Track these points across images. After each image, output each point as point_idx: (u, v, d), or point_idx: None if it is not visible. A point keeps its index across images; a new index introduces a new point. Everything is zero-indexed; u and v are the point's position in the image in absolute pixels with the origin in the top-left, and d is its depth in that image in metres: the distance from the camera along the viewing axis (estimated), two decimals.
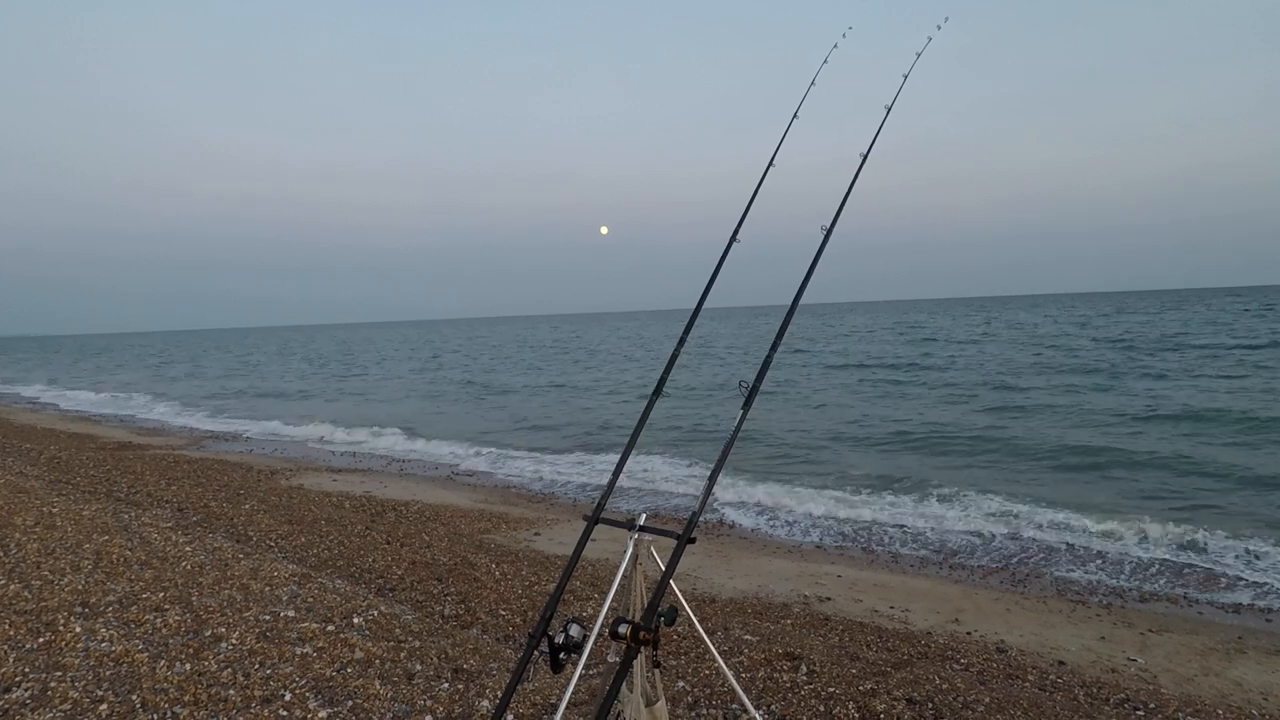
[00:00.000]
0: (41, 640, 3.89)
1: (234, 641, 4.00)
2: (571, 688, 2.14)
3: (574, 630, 2.13)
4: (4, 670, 3.55)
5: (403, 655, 4.01)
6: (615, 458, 3.53)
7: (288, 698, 3.44)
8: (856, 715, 3.62)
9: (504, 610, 5.29)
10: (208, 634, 4.08)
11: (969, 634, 5.42)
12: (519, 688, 2.35)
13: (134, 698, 3.36)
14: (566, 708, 2.13)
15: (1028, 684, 4.39)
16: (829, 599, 6.15)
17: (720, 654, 2.81)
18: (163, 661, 3.71)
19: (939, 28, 3.25)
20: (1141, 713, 4.05)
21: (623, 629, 2.03)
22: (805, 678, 4.04)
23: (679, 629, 4.43)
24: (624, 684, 2.19)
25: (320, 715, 3.30)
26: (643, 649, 2.11)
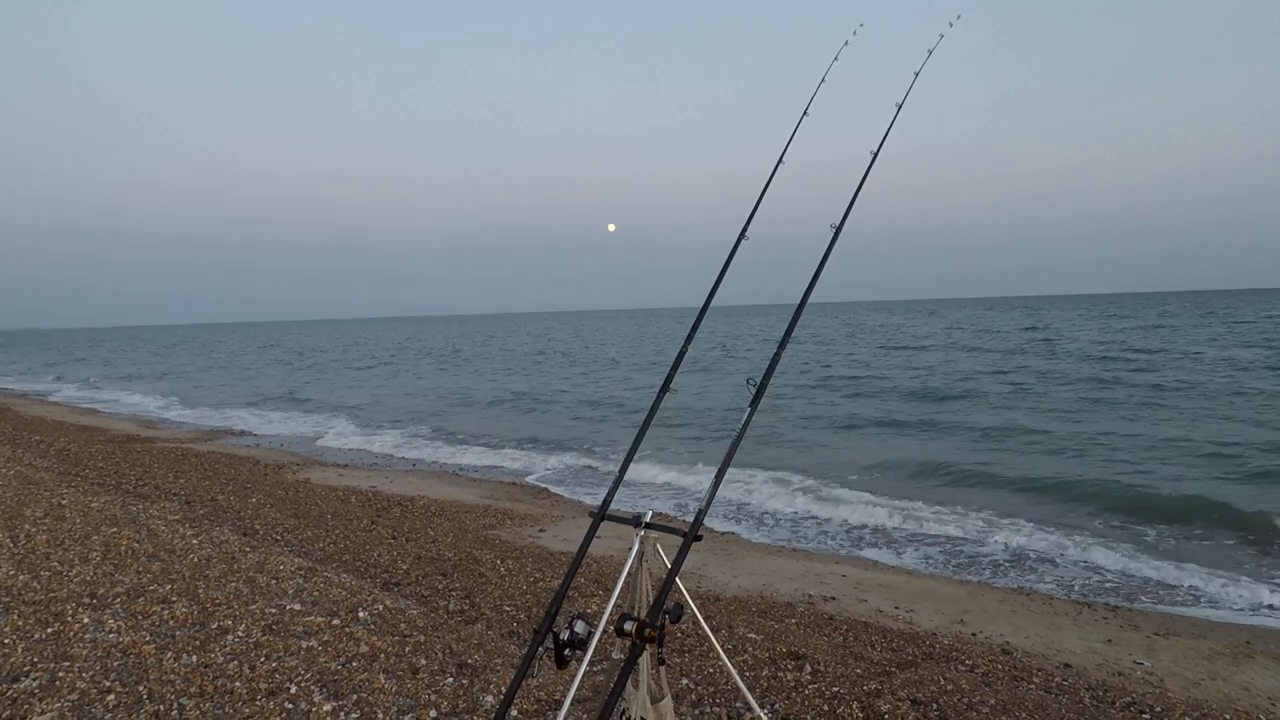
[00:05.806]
0: (50, 630, 3.92)
1: (240, 634, 4.02)
2: (576, 684, 2.14)
3: (579, 626, 2.14)
4: (13, 659, 3.57)
5: (408, 650, 4.02)
6: (621, 455, 3.53)
7: (293, 691, 3.45)
8: (861, 715, 3.62)
9: (509, 606, 5.29)
10: (214, 626, 4.10)
11: (974, 635, 5.40)
12: (523, 683, 2.35)
13: (141, 688, 3.37)
14: (571, 704, 2.13)
15: (1033, 686, 4.37)
16: (833, 598, 6.14)
17: (725, 652, 2.81)
18: (169, 653, 3.73)
19: (951, 25, 3.23)
20: (1148, 716, 4.03)
21: (628, 626, 2.03)
22: (809, 677, 4.03)
23: (683, 627, 4.43)
24: (629, 681, 2.19)
25: (325, 709, 3.31)
26: (648, 646, 2.11)
